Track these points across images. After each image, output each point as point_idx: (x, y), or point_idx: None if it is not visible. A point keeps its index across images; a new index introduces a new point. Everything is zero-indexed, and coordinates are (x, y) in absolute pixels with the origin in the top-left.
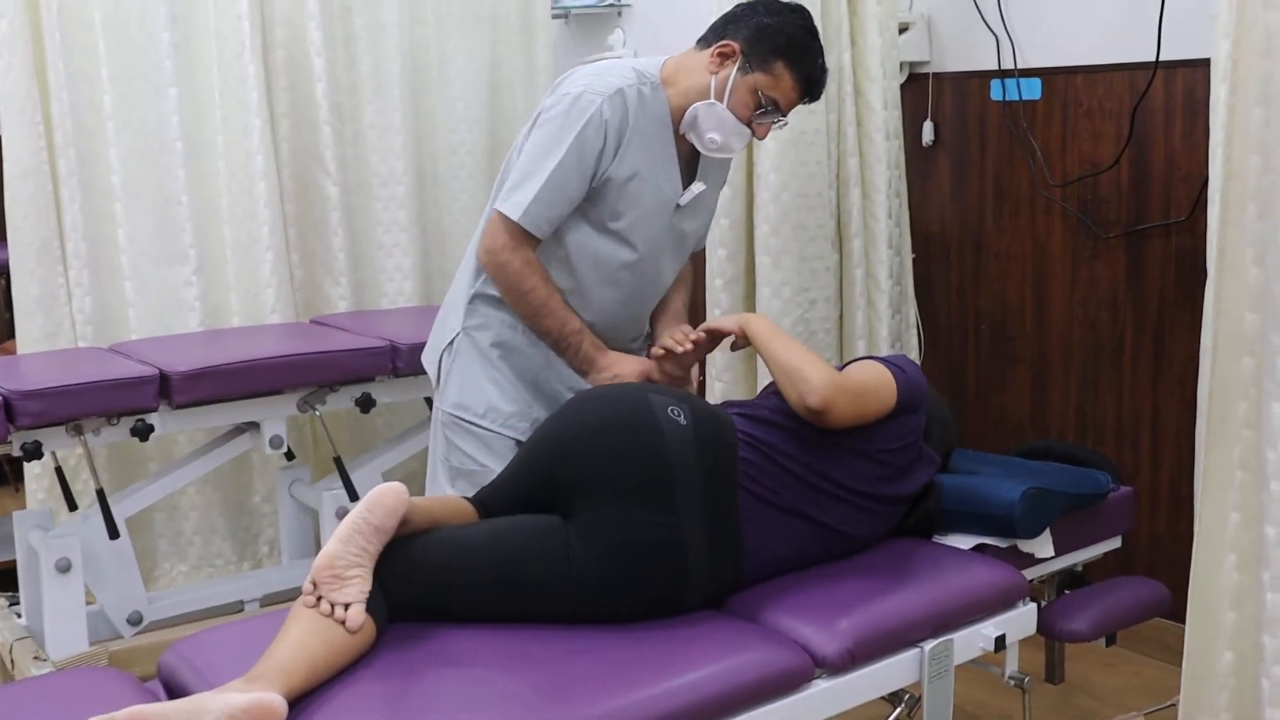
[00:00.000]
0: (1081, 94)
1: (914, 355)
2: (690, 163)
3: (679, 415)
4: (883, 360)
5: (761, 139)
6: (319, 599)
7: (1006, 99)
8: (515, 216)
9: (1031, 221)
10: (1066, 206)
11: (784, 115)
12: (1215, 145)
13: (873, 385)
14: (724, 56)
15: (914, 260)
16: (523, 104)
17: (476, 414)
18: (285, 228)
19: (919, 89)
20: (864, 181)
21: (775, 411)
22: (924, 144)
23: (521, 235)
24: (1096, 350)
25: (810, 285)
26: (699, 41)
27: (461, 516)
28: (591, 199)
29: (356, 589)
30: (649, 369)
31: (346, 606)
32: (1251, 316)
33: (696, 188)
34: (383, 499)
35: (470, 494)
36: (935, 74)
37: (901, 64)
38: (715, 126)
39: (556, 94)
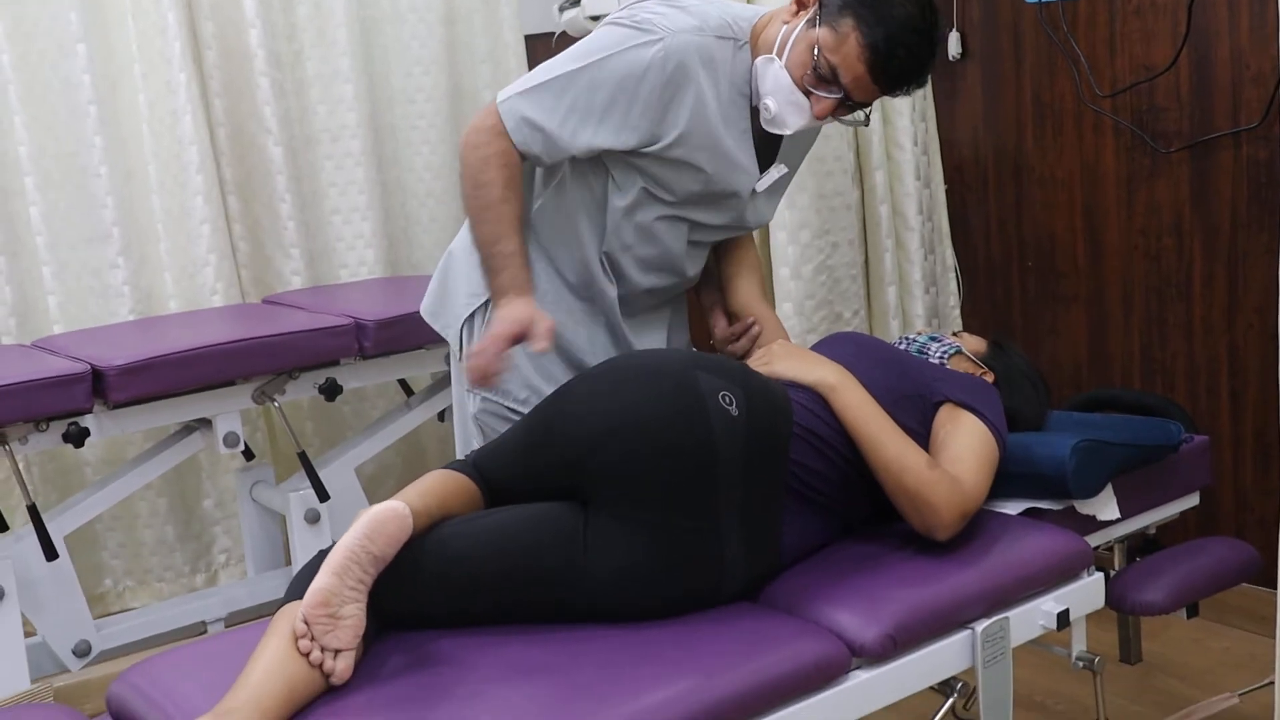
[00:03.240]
0: None
1: (952, 301)
2: (771, 139)
3: (730, 403)
4: (978, 414)
5: (819, 119)
6: (311, 640)
7: (1043, 0)
8: (498, 101)
9: (1079, 140)
10: (1118, 120)
11: (844, 92)
12: None
13: (988, 474)
14: (801, 5)
15: (946, 192)
16: (482, 40)
17: (518, 399)
18: (224, 196)
19: None
20: (883, 105)
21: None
22: (950, 58)
23: (494, 125)
24: (1161, 284)
25: (830, 226)
26: None
27: (462, 504)
28: (648, 165)
29: (350, 633)
30: (533, 326)
31: (336, 654)
32: None
33: (775, 171)
34: (385, 526)
35: None
36: None
37: None
38: (771, 89)
39: (629, 9)
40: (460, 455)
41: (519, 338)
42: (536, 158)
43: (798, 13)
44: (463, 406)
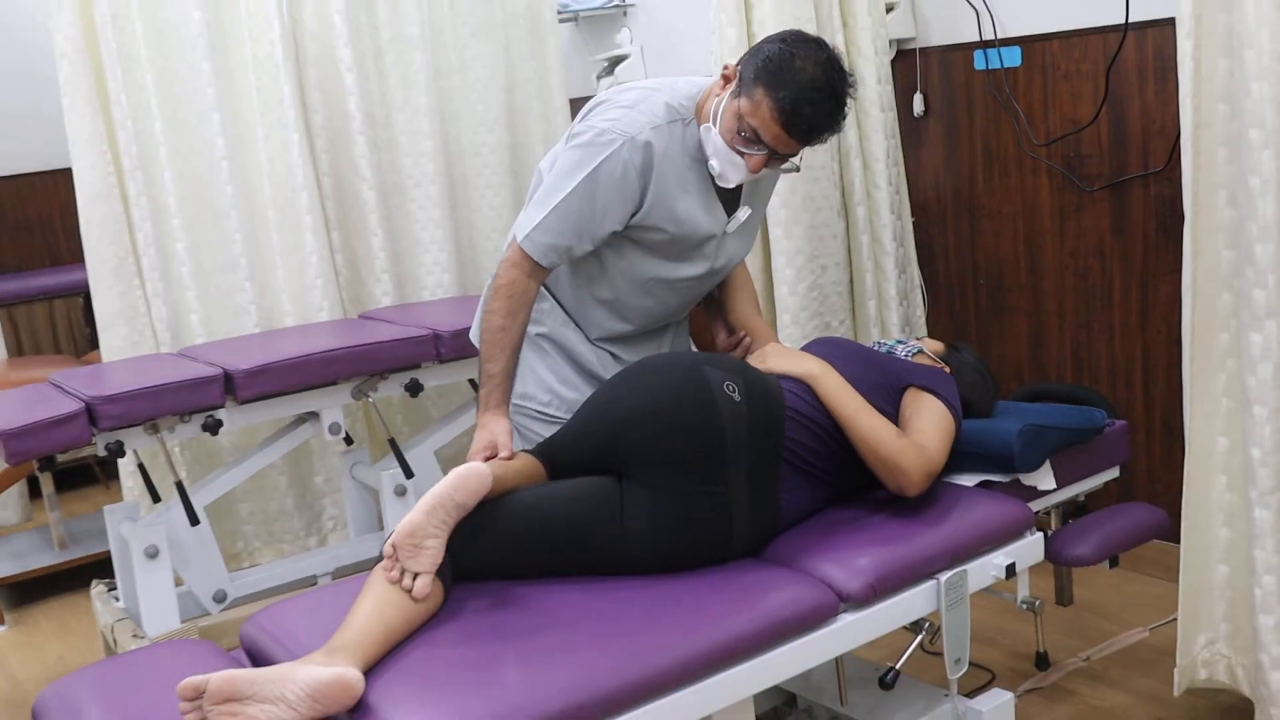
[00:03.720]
0: (1059, 58)
1: (920, 312)
2: (735, 189)
3: (734, 391)
4: (936, 394)
5: (754, 173)
6: (396, 564)
7: (989, 68)
8: (519, 239)
9: (1020, 180)
10: (1051, 164)
11: (767, 147)
12: (1185, 97)
13: (947, 442)
14: (726, 79)
15: (914, 224)
16: (536, 104)
17: (541, 403)
18: (329, 232)
19: (908, 64)
20: (864, 153)
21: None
22: (915, 115)
23: (524, 257)
24: (1088, 296)
25: (820, 252)
26: None
27: (531, 478)
28: (632, 232)
29: (430, 559)
30: (499, 441)
31: (416, 576)
32: (1228, 254)
33: (742, 214)
34: (468, 480)
35: None
36: (922, 48)
37: (890, 41)
38: (713, 153)
39: (586, 120)
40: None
41: (492, 453)
42: (563, 262)
43: (725, 86)
44: None
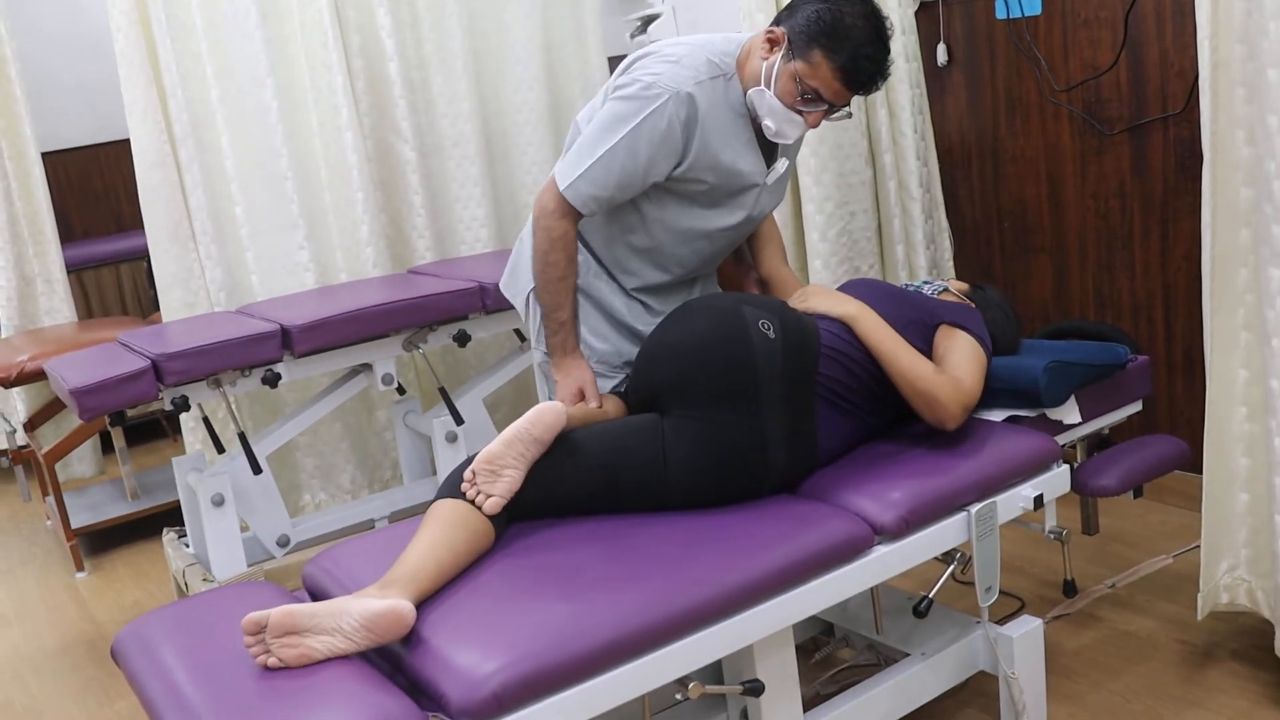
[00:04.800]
0: (1078, 5)
1: (947, 255)
2: (772, 143)
3: (769, 329)
4: (968, 330)
5: (813, 126)
6: (474, 486)
7: (1010, 16)
8: (561, 188)
9: (1042, 125)
10: (1072, 109)
11: (828, 103)
12: (1203, 39)
13: (981, 375)
14: (772, 43)
15: (939, 169)
16: (574, 64)
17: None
18: (375, 192)
19: (931, 15)
20: (889, 102)
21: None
22: (939, 65)
23: (567, 206)
24: (1109, 236)
25: (849, 199)
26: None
27: (612, 412)
28: (672, 184)
29: (506, 486)
30: (586, 386)
31: (489, 497)
32: (1246, 191)
33: (781, 165)
34: (543, 415)
35: None
36: (944, 0)
37: None
38: (768, 113)
39: (630, 74)
40: (539, 392)
41: (580, 396)
42: (600, 212)
43: (772, 49)
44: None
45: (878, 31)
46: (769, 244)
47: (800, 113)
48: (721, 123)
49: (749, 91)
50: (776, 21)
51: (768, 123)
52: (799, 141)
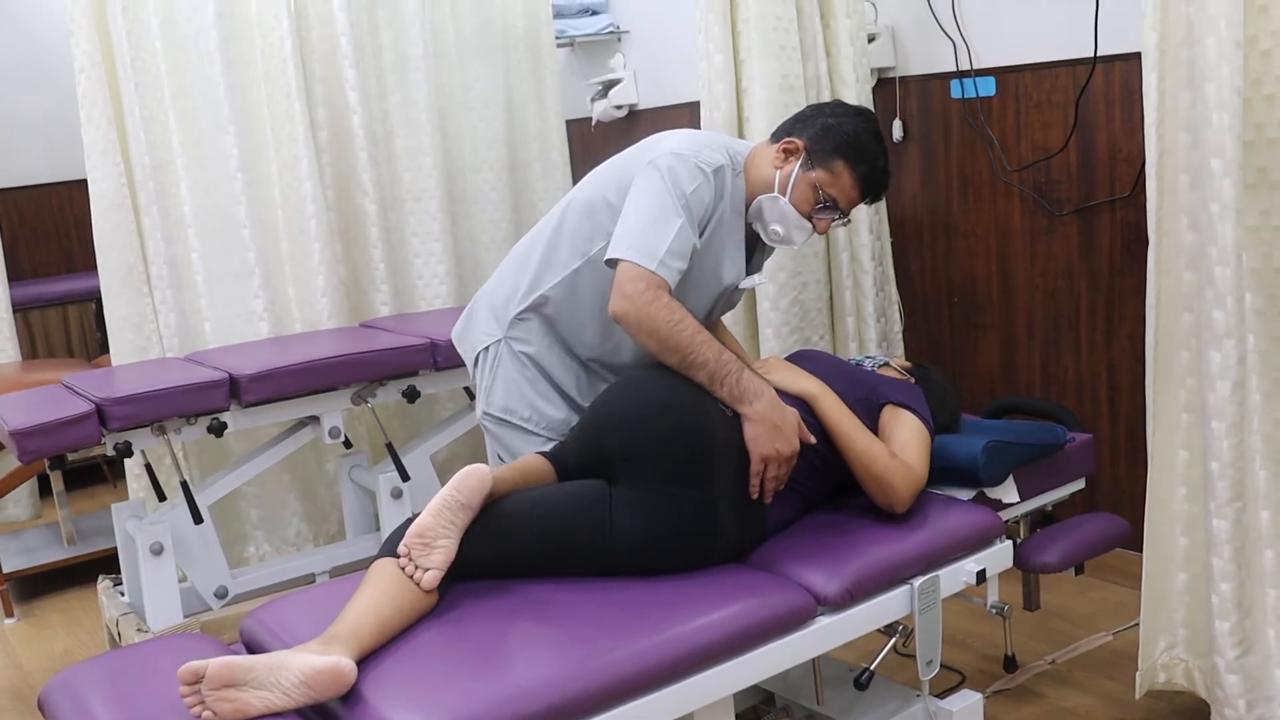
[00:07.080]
0: (1031, 89)
1: (897, 329)
2: (749, 250)
3: (725, 408)
4: (913, 411)
5: (822, 233)
6: (409, 560)
7: (965, 96)
8: (652, 267)
9: (993, 204)
10: (1023, 189)
11: (843, 212)
12: (1149, 126)
13: (927, 457)
14: (788, 153)
15: (892, 244)
16: (534, 123)
17: (523, 418)
18: (334, 244)
19: (888, 92)
20: None
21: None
22: (895, 140)
23: (659, 282)
24: (1056, 315)
25: (802, 270)
26: (770, 137)
27: (538, 478)
28: None
29: (441, 557)
30: (795, 420)
31: (426, 571)
32: (1189, 275)
33: (757, 279)
34: (468, 479)
35: None
36: (901, 77)
37: (871, 70)
38: (778, 219)
39: (656, 149)
40: (488, 449)
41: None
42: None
43: (788, 158)
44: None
45: (881, 144)
46: (720, 335)
47: (810, 219)
48: (728, 216)
49: (759, 197)
50: (786, 132)
51: (775, 228)
52: (771, 253)
